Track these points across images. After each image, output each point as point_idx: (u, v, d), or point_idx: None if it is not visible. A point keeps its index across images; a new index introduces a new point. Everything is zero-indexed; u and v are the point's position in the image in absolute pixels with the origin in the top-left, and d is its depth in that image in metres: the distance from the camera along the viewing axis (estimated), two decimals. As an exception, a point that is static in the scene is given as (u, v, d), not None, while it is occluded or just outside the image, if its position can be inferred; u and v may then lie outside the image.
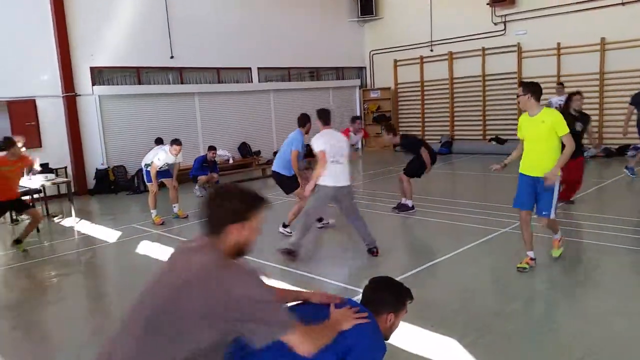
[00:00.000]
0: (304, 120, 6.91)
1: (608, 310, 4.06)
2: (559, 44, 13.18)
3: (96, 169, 11.80)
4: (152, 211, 8.34)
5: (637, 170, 9.61)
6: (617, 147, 12.28)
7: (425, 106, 16.49)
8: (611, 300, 4.27)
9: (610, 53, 12.42)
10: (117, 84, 12.42)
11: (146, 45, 12.55)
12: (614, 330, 3.73)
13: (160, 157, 8.24)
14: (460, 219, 7.37)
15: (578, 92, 7.63)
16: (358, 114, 17.71)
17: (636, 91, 9.65)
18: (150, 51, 12.64)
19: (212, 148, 10.87)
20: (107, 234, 7.76)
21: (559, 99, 10.70)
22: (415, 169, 7.96)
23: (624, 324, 3.81)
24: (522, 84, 5.13)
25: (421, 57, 16.27)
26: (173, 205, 8.63)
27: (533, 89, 4.88)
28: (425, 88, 16.40)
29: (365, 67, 18.08)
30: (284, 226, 7.04)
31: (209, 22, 13.67)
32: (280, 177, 7.10)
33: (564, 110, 7.25)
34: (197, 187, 10.71)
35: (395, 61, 17.04)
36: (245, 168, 13.67)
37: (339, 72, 17.54)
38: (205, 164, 10.81)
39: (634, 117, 9.42)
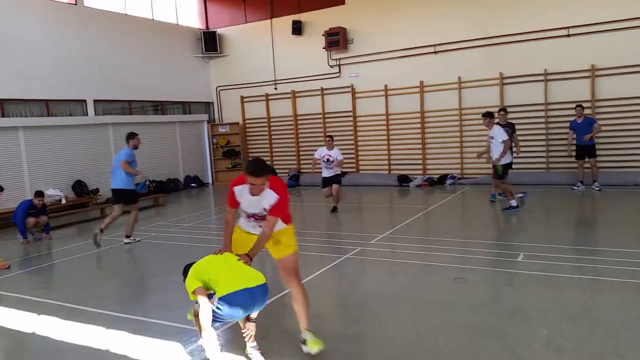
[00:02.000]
0: (129, 137, 8.58)
1: (435, 325, 4.57)
2: (386, 85, 14.73)
3: None
4: None
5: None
6: (437, 176, 13.93)
7: (273, 141, 17.00)
8: (434, 315, 4.80)
9: (427, 94, 14.23)
10: None
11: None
12: (440, 343, 4.21)
13: None
14: (308, 248, 7.69)
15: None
16: (207, 148, 17.57)
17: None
18: (-39, 80, 11.11)
19: (39, 194, 9.62)
20: None
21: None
22: None
23: (447, 336, 4.33)
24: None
25: (266, 94, 16.84)
26: None
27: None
28: (272, 123, 16.95)
29: (212, 102, 18.07)
30: (127, 237, 8.66)
31: (37, 50, 12.54)
32: (124, 192, 8.51)
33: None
34: (20, 233, 9.45)
35: (242, 97, 17.35)
36: (81, 208, 12.53)
37: (186, 107, 17.27)
38: (32, 210, 9.59)
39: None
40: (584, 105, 11.55)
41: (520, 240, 7.57)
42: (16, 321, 5.22)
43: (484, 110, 13.17)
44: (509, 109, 12.27)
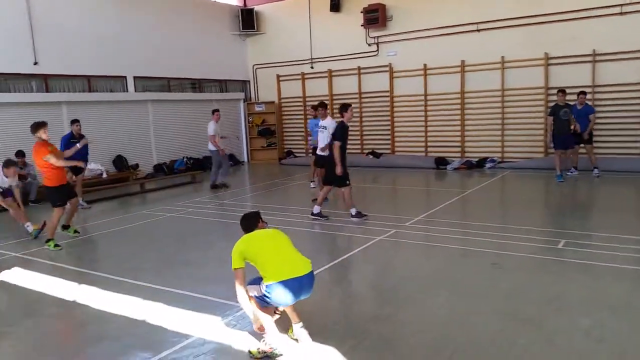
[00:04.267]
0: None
1: (469, 311, 4.48)
2: (425, 65, 14.37)
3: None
4: None
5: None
6: (476, 159, 13.61)
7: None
8: (469, 301, 4.71)
9: (468, 74, 13.83)
10: (-32, 91, 11.07)
11: (4, 50, 11.34)
12: (475, 329, 4.13)
13: None
14: (341, 229, 7.67)
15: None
16: (243, 127, 17.70)
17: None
18: (10, 56, 11.45)
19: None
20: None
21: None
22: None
23: (482, 322, 4.24)
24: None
25: (302, 73, 16.72)
26: (25, 225, 7.99)
27: None
28: (308, 103, 16.86)
29: (249, 81, 18.11)
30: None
31: (79, 27, 12.78)
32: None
33: None
34: None
35: (278, 76, 17.30)
36: (121, 182, 12.87)
37: (223, 85, 17.36)
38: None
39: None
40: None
41: (562, 227, 7.32)
42: (59, 290, 5.42)
43: (528, 92, 12.94)
44: (554, 91, 11.85)
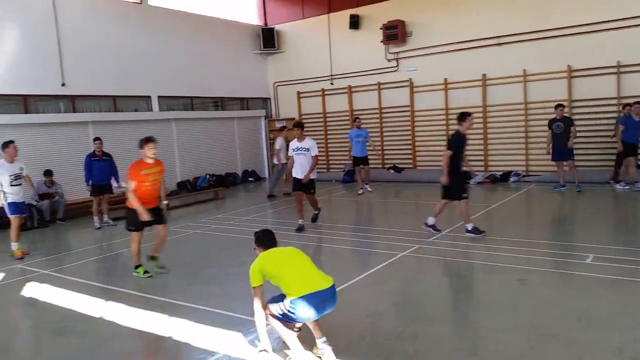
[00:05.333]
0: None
1: (497, 327, 4.41)
2: (445, 79, 14.35)
3: (-26, 205, 10.68)
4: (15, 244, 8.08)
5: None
6: (500, 173, 13.45)
7: (329, 136, 17.02)
8: (497, 317, 4.64)
9: (490, 88, 13.75)
10: (0, 113, 11.43)
11: (34, 72, 11.75)
12: (504, 346, 4.06)
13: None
14: (363, 244, 7.65)
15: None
16: (264, 143, 17.88)
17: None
18: (39, 78, 11.85)
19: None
20: (-13, 277, 7.02)
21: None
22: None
23: (511, 339, 4.16)
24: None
25: (322, 90, 16.86)
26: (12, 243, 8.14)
27: None
28: (328, 119, 16.97)
29: (270, 98, 18.33)
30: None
31: (105, 49, 13.16)
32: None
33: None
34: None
35: (299, 93, 17.48)
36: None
37: (244, 103, 17.61)
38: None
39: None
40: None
41: (590, 242, 7.15)
42: (86, 306, 5.52)
43: (551, 104, 12.80)
44: (578, 103, 11.78)
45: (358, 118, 13.35)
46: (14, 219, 7.99)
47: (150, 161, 6.32)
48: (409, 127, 15.28)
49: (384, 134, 15.80)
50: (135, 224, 6.40)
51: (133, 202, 6.19)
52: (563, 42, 12.54)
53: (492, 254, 6.70)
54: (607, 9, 11.87)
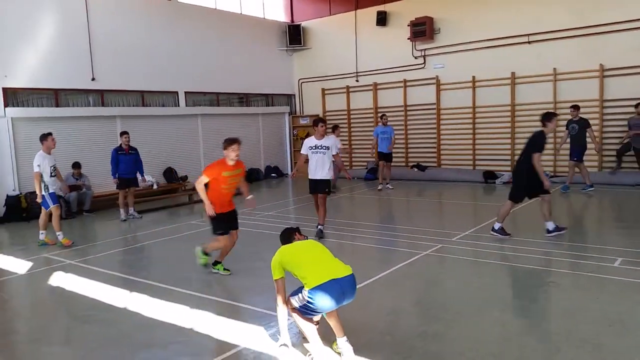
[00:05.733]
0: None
1: (521, 331, 4.31)
2: (473, 77, 14.13)
3: (7, 195, 10.98)
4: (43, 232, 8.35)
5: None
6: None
7: (352, 133, 16.95)
8: (523, 320, 4.53)
9: (519, 86, 13.48)
10: (33, 106, 11.72)
11: (66, 67, 12.01)
12: (528, 349, 3.96)
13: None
14: (385, 242, 7.59)
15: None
16: (287, 140, 17.93)
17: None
18: (70, 73, 12.10)
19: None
20: (17, 265, 7.20)
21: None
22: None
23: (537, 342, 4.07)
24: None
25: (347, 87, 16.79)
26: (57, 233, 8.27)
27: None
28: (352, 116, 16.90)
29: (294, 95, 18.35)
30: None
31: (134, 45, 13.36)
32: None
33: None
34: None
35: (323, 90, 17.45)
36: (170, 194, 13.26)
37: (269, 99, 17.67)
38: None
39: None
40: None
41: (618, 245, 6.94)
42: (111, 297, 5.61)
43: (582, 104, 12.50)
44: (610, 103, 11.49)
45: (384, 115, 13.44)
46: (55, 209, 8.13)
47: (231, 163, 5.95)
48: (435, 126, 15.10)
49: (409, 131, 15.65)
50: (222, 229, 6.12)
51: (201, 195, 5.95)
52: (596, 41, 12.20)
53: (518, 255, 6.56)
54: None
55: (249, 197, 6.44)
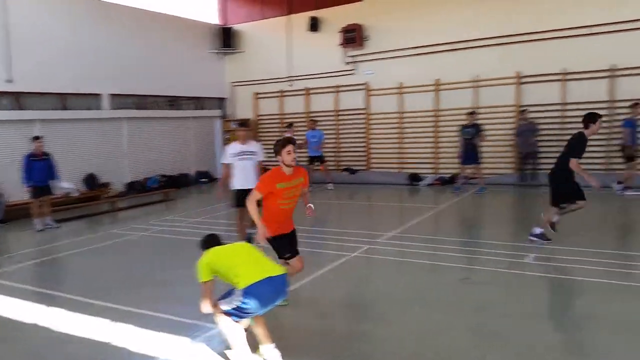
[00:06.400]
0: None
1: (441, 327, 4.49)
2: (401, 83, 14.59)
3: None
4: None
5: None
6: (449, 175, 13.71)
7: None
8: (441, 316, 4.72)
9: (443, 93, 14.07)
10: None
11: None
12: (447, 344, 4.14)
13: None
14: (314, 245, 7.64)
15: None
16: (218, 144, 17.64)
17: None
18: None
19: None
20: None
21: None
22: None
23: (455, 337, 4.25)
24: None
25: (280, 91, 16.81)
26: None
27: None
28: (285, 120, 16.90)
29: (226, 98, 18.11)
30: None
31: (55, 45, 12.63)
32: None
33: None
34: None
35: (256, 94, 17.36)
36: (92, 201, 12.58)
37: (199, 102, 17.32)
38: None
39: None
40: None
41: (527, 241, 7.40)
42: (23, 312, 5.26)
43: (501, 109, 13.26)
44: (527, 109, 12.30)
45: (312, 120, 14.05)
46: None
47: (288, 171, 4.68)
48: (364, 130, 15.43)
49: (340, 136, 15.89)
50: (288, 251, 4.92)
51: (253, 215, 4.63)
52: (514, 49, 12.97)
53: (439, 254, 6.83)
54: (560, 15, 12.30)
55: (310, 205, 5.23)
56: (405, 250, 7.15)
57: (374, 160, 15.42)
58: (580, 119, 6.81)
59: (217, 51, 17.42)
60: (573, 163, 6.49)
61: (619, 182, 10.97)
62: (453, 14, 13.68)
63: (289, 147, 4.59)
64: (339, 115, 15.87)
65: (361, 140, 15.54)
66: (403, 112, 14.71)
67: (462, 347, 4.03)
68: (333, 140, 15.71)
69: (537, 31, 12.59)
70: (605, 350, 3.87)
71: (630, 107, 10.95)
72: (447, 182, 13.47)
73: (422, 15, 14.12)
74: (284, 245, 4.85)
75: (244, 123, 7.73)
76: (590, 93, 12.14)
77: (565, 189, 6.72)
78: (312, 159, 13.80)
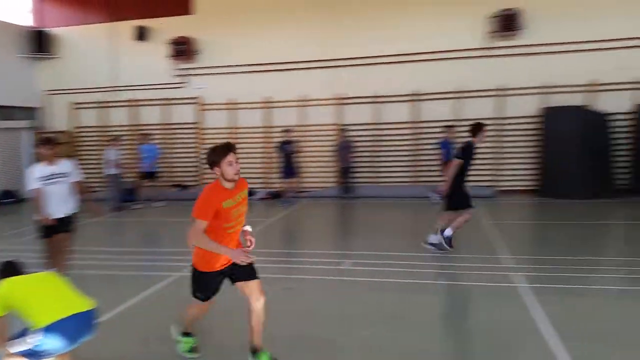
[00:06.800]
0: None
1: (268, 334, 4.68)
2: (232, 99, 14.79)
3: None
4: None
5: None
6: (278, 190, 14.24)
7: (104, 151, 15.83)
8: (269, 324, 4.92)
9: (273, 110, 14.62)
10: None
11: None
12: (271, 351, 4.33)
13: None
14: (144, 268, 7.33)
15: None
16: (28, 158, 15.75)
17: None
18: None
19: None
20: None
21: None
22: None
23: (279, 345, 4.48)
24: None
25: (103, 102, 15.75)
26: None
27: None
28: (108, 133, 15.80)
29: (38, 108, 16.29)
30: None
31: None
32: None
33: None
34: None
35: (74, 103, 15.99)
36: None
37: (5, 112, 15.27)
38: None
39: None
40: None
41: (346, 249, 8.12)
42: None
43: (323, 128, 14.26)
44: (346, 128, 13.39)
45: (143, 134, 13.73)
46: None
47: (230, 186, 3.84)
48: (195, 145, 15.25)
49: (172, 150, 15.43)
50: (206, 291, 4.10)
51: (210, 247, 3.79)
52: (335, 73, 14.09)
53: (264, 266, 7.06)
54: (377, 44, 13.63)
55: (247, 227, 4.24)
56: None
57: (206, 176, 15.27)
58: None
59: (27, 55, 15.64)
60: (454, 162, 7.09)
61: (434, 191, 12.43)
62: (282, 35, 14.35)
63: (231, 157, 3.74)
64: (169, 129, 15.42)
65: (191, 155, 15.30)
66: (237, 128, 14.90)
67: (280, 355, 4.27)
68: (163, 155, 15.17)
69: (357, 57, 13.86)
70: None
71: (444, 128, 12.14)
72: (276, 196, 13.97)
73: (253, 34, 14.51)
74: (242, 275, 4.09)
75: (49, 139, 6.02)
76: (397, 115, 13.81)
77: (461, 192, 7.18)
78: (147, 175, 13.29)
